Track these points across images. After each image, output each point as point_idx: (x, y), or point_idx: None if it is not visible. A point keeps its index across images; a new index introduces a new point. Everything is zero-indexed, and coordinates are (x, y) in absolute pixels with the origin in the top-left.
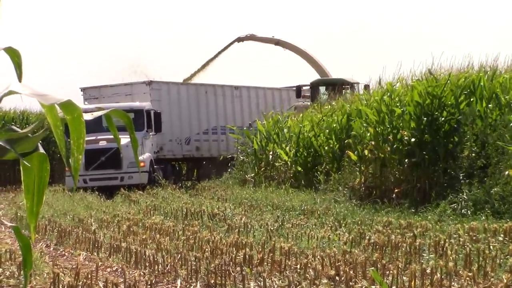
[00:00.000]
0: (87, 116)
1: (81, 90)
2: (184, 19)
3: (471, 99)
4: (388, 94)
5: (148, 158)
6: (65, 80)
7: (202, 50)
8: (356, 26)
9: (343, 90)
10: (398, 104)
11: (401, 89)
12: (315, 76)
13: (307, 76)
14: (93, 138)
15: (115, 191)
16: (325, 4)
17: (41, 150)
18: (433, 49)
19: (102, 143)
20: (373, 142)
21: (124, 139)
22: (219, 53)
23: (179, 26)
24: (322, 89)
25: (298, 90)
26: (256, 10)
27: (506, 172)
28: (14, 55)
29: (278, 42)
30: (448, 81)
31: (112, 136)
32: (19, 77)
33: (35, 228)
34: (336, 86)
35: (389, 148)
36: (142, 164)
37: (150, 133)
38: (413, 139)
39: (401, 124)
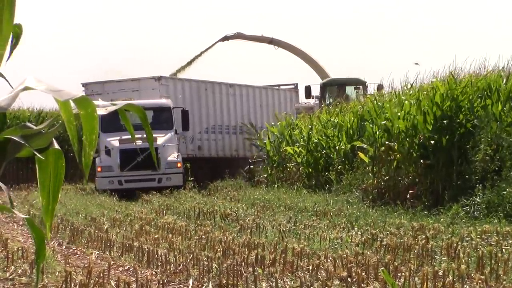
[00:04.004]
0: (101, 111)
1: (83, 86)
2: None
3: (487, 102)
4: (408, 95)
5: (180, 158)
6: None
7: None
8: (359, 25)
9: (355, 90)
10: (415, 106)
11: (419, 91)
12: (303, 76)
13: (293, 76)
14: (118, 138)
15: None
16: (323, 3)
17: (56, 146)
18: (438, 50)
19: (138, 143)
20: (397, 143)
21: (160, 138)
22: (204, 51)
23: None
24: (330, 89)
25: (308, 90)
26: (244, 8)
27: None
28: (15, 27)
29: (271, 41)
30: (466, 85)
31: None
32: (12, 49)
33: (51, 227)
34: (346, 85)
35: (404, 150)
36: (179, 164)
37: (181, 133)
38: (432, 141)
39: (418, 126)
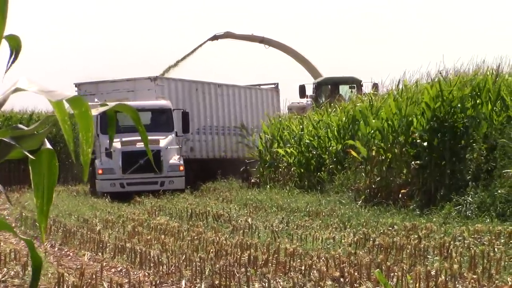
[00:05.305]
0: (93, 111)
1: (76, 86)
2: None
3: (477, 102)
4: (401, 95)
5: (182, 161)
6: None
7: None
8: (352, 24)
9: (350, 89)
10: (409, 106)
11: (411, 91)
12: (297, 77)
13: (285, 75)
14: (119, 140)
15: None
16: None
17: (48, 146)
18: (432, 49)
19: (140, 145)
20: (384, 144)
21: (163, 141)
22: (193, 51)
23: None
24: (324, 88)
25: (302, 89)
26: (235, 8)
27: (508, 171)
28: (13, 41)
29: (262, 40)
30: (455, 84)
31: (152, 137)
32: (12, 63)
33: (46, 228)
34: (341, 84)
35: (397, 150)
36: (181, 168)
37: (183, 135)
38: (419, 141)
39: (410, 126)
